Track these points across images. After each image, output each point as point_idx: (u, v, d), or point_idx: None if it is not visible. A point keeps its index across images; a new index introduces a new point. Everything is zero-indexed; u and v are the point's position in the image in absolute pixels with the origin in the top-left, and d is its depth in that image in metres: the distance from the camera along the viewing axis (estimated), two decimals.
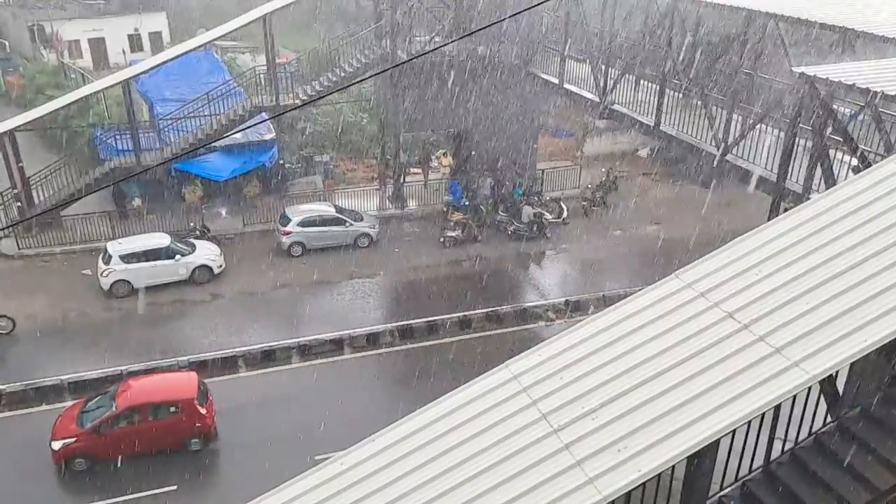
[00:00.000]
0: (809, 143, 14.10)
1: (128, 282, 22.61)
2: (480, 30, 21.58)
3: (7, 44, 46.66)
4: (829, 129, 13.50)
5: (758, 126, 16.45)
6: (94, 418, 16.13)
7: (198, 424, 16.38)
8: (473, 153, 28.28)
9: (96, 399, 16.93)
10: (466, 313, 21.85)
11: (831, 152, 13.91)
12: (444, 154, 32.06)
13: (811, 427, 8.30)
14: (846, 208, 7.97)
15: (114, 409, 16.15)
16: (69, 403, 17.64)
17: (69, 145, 30.13)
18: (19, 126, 25.94)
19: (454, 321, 21.62)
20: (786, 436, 8.33)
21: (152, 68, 27.02)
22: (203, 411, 16.49)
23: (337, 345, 20.65)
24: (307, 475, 7.30)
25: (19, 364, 19.48)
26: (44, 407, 18.02)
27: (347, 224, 25.77)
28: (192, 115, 26.43)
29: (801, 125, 14.18)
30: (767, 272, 7.54)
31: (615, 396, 6.86)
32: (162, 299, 22.59)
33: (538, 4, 21.35)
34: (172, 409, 16.38)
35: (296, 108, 27.73)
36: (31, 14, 45.06)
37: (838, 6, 16.30)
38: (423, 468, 6.87)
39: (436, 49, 24.52)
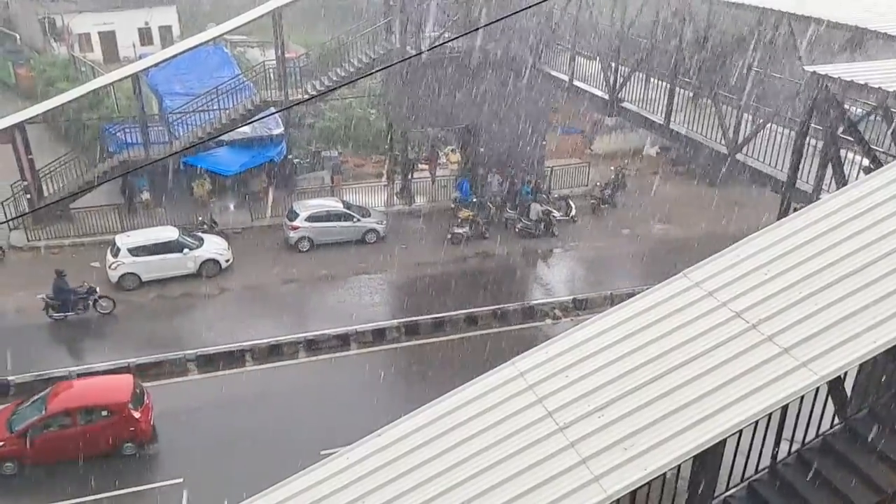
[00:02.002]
0: (820, 143, 14.01)
1: (136, 275, 22.72)
2: (488, 24, 21.52)
3: (18, 37, 46.86)
4: (841, 129, 13.41)
5: (768, 125, 16.35)
6: (23, 422, 15.85)
7: (131, 429, 16.08)
8: (482, 150, 28.24)
9: (28, 403, 16.64)
10: (473, 310, 21.85)
11: (842, 152, 13.81)
12: (452, 150, 32.04)
13: (818, 428, 8.26)
14: (857, 209, 7.92)
15: (44, 412, 15.88)
16: None
17: (79, 138, 30.26)
18: (30, 118, 26.08)
19: (461, 318, 21.63)
20: (793, 437, 8.30)
21: (162, 62, 27.11)
22: (137, 415, 16.16)
23: (343, 340, 20.70)
24: (313, 469, 7.33)
25: (29, 356, 19.56)
26: None
27: (355, 220, 25.79)
28: (201, 109, 26.48)
29: (812, 125, 14.08)
30: (776, 272, 7.50)
31: (622, 395, 6.84)
32: (170, 293, 22.67)
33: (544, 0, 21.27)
34: (104, 412, 16.08)
35: (304, 102, 27.76)
36: (43, 7, 45.23)
37: (850, 5, 16.17)
38: (429, 464, 6.87)
39: (444, 44, 24.46)
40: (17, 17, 48.37)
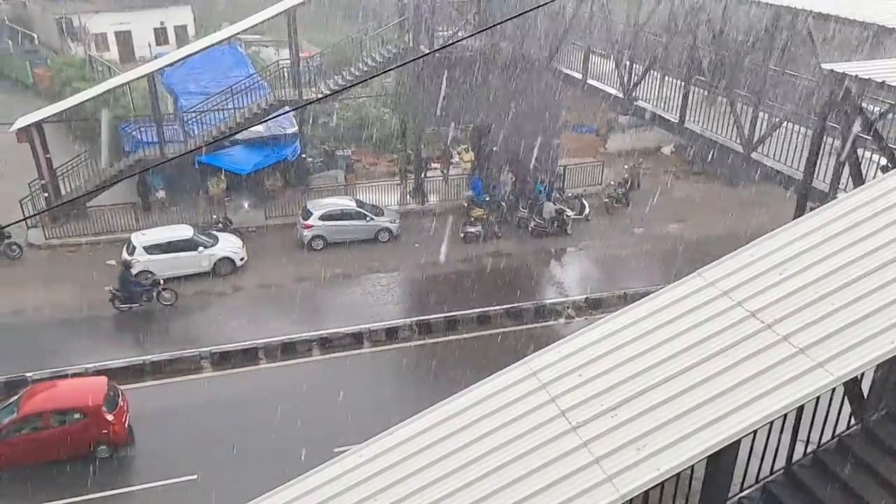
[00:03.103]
0: (837, 142, 13.88)
1: (151, 273, 22.86)
2: (501, 23, 21.47)
3: (36, 36, 47.34)
4: (858, 128, 13.27)
5: (784, 124, 16.22)
6: None
7: (104, 431, 16.05)
8: (495, 149, 28.20)
9: (2, 406, 16.72)
10: (486, 309, 21.84)
11: (860, 151, 13.68)
12: (465, 149, 32.02)
13: (834, 429, 8.18)
14: (874, 208, 7.83)
15: (16, 414, 15.91)
16: None
17: (95, 137, 30.52)
18: (47, 117, 26.36)
19: (473, 317, 21.62)
20: (808, 438, 8.23)
21: (177, 61, 27.31)
22: (110, 418, 16.15)
23: (356, 338, 20.76)
24: (326, 466, 7.34)
25: (45, 352, 19.77)
26: None
27: (368, 218, 25.85)
28: (215, 108, 26.64)
29: (829, 123, 13.95)
30: (792, 271, 7.43)
31: (635, 394, 6.80)
32: (184, 291, 22.82)
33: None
34: (77, 415, 16.06)
35: (318, 101, 27.84)
36: (60, 7, 45.63)
37: (870, 3, 16.00)
38: (441, 462, 6.87)
39: (458, 42, 24.43)
40: (35, 17, 48.85)
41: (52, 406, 16.22)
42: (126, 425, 16.69)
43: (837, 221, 7.85)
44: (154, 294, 21.87)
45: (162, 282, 22.13)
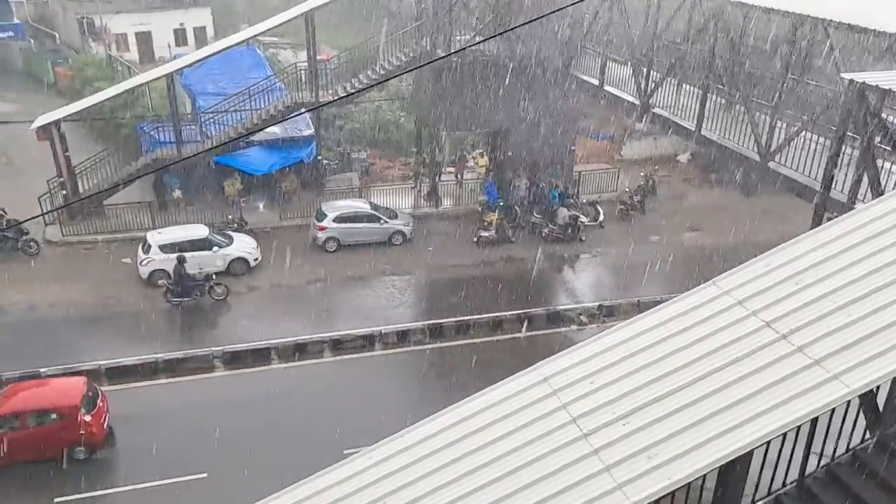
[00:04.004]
0: (856, 152, 13.76)
1: (166, 271, 22.99)
2: (517, 27, 21.43)
3: (57, 36, 47.89)
4: (878, 138, 13.16)
5: (802, 133, 16.11)
6: None
7: (81, 432, 15.89)
8: (510, 153, 28.18)
9: None
10: (498, 314, 21.80)
11: (879, 162, 13.55)
12: (480, 154, 32.03)
13: (849, 442, 8.09)
14: (893, 219, 7.75)
15: None
16: (106, 387, 18.04)
17: (114, 136, 30.80)
18: (66, 116, 26.61)
19: (485, 322, 21.59)
20: (822, 450, 8.14)
21: (196, 62, 27.52)
22: (88, 419, 15.99)
23: (368, 341, 20.78)
24: (336, 468, 7.35)
25: (58, 348, 19.93)
26: None
27: (382, 221, 25.90)
28: (233, 109, 26.81)
29: (847, 133, 13.84)
30: (809, 282, 7.36)
31: (647, 402, 6.76)
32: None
33: (576, 2, 21.14)
34: (54, 416, 15.93)
35: (333, 103, 27.94)
36: (81, 7, 46.17)
37: (889, 12, 15.86)
38: (452, 466, 6.86)
39: (475, 45, 24.44)
40: (57, 17, 49.43)
41: (30, 406, 16.12)
42: (105, 426, 16.54)
43: (855, 232, 7.78)
44: (206, 289, 22.21)
45: (214, 277, 22.45)
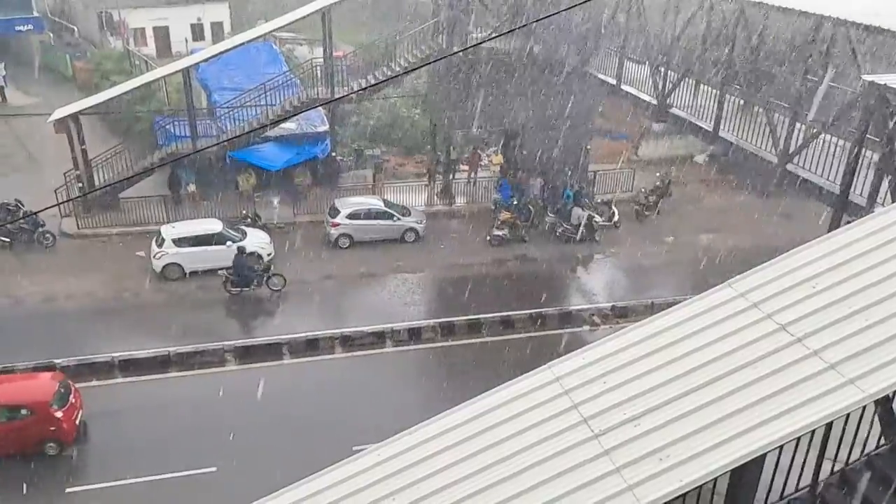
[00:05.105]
0: (876, 155, 13.59)
1: (179, 265, 23.16)
2: (532, 23, 21.35)
3: (76, 30, 48.27)
4: None
5: (821, 135, 15.93)
6: None
7: (52, 428, 15.91)
8: (524, 152, 28.10)
9: None
10: (510, 313, 21.74)
11: None
12: (495, 152, 31.97)
13: (863, 448, 7.99)
14: None
15: None
16: (119, 380, 18.18)
17: (130, 130, 31.00)
18: (84, 109, 26.82)
19: (497, 320, 21.54)
20: (836, 456, 8.03)
21: (212, 57, 27.64)
22: (59, 415, 15.97)
23: (379, 337, 20.79)
24: (344, 464, 7.34)
25: (72, 340, 20.09)
26: (94, 382, 18.58)
27: (395, 218, 25.91)
28: (248, 104, 26.90)
29: (868, 136, 13.67)
30: (825, 285, 7.26)
31: (660, 404, 6.70)
32: (211, 284, 23.05)
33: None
34: (24, 411, 15.93)
35: (347, 97, 27.93)
36: (101, 2, 46.51)
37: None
38: (461, 464, 6.83)
39: (489, 39, 24.33)
40: (76, 11, 49.84)
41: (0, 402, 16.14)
42: (77, 422, 16.52)
43: (874, 236, 7.67)
44: (264, 279, 22.40)
45: (273, 268, 22.60)
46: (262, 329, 20.98)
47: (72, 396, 16.73)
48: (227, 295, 22.45)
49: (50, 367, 18.30)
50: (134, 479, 15.54)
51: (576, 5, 19.94)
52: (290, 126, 27.89)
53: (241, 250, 22.33)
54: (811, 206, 18.79)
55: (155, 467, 15.80)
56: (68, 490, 15.44)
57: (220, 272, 22.39)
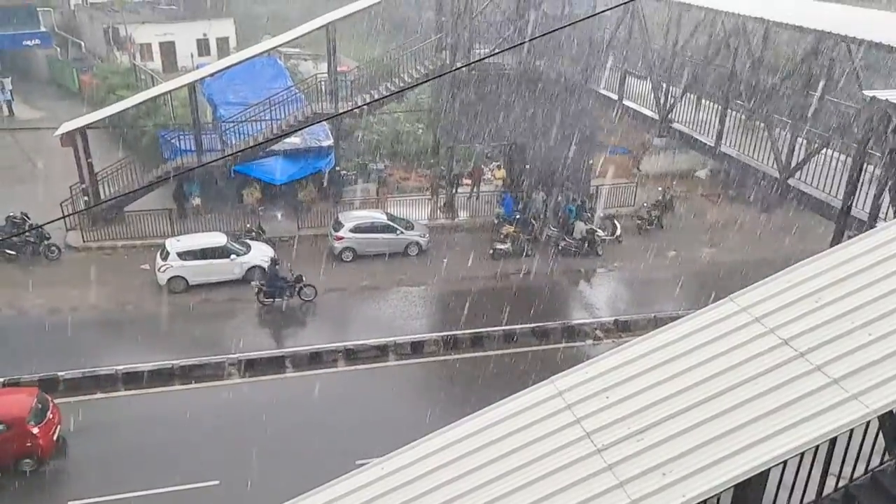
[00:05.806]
0: (877, 170, 13.62)
1: (184, 278, 23.21)
2: (535, 39, 21.49)
3: (83, 44, 48.64)
4: None
5: (823, 150, 15.98)
6: None
7: (28, 444, 15.75)
8: (527, 166, 28.18)
9: None
10: (512, 327, 21.73)
11: None
12: (497, 166, 32.06)
13: (867, 464, 7.96)
14: None
15: None
16: (122, 392, 18.17)
17: (136, 144, 31.16)
18: (90, 123, 26.99)
19: (499, 334, 21.52)
20: (840, 472, 8.00)
21: (218, 72, 27.83)
22: (35, 431, 15.80)
23: (382, 351, 20.78)
24: (347, 478, 7.34)
25: (80, 352, 20.11)
26: (98, 395, 18.59)
27: (398, 232, 25.96)
28: (253, 118, 27.06)
29: (870, 150, 13.72)
30: (828, 300, 7.27)
31: (663, 419, 6.69)
32: (215, 297, 23.11)
33: (597, 14, 21.18)
34: (0, 426, 15.71)
35: (352, 111, 28.06)
36: (107, 17, 46.93)
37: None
38: (464, 478, 6.82)
39: (493, 55, 24.48)
40: (84, 26, 50.24)
41: None
42: (54, 438, 16.37)
43: (877, 251, 7.68)
44: (297, 290, 22.62)
45: (304, 279, 22.78)
46: (264, 342, 20.97)
47: (49, 412, 16.54)
48: (302, 301, 22.79)
49: (17, 382, 18.09)
50: (115, 495, 15.36)
51: (577, 21, 20.12)
52: (294, 140, 28.02)
53: (273, 261, 22.87)
54: (813, 221, 18.81)
55: (146, 482, 15.65)
56: None
57: (252, 284, 22.77)
